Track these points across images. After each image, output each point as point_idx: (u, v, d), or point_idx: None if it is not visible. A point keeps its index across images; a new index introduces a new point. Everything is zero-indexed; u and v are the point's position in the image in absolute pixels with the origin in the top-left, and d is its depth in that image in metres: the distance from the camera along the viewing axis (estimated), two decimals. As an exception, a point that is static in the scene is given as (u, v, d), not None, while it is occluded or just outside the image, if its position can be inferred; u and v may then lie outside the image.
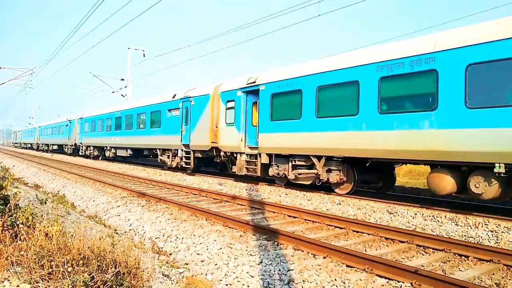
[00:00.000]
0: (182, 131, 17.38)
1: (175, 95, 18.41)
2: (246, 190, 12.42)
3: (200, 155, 16.69)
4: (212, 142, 15.21)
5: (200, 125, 16.17)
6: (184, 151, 17.39)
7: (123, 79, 32.80)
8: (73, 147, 35.89)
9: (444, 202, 10.42)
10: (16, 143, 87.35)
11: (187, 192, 12.14)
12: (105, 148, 27.71)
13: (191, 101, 16.84)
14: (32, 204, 7.02)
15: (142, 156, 24.50)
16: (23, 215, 4.75)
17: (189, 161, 17.07)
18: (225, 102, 14.80)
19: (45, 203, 8.12)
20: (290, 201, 10.32)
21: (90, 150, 31.12)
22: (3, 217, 4.84)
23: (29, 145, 66.28)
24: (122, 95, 32.81)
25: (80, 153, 33.35)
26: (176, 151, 18.28)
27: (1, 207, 5.11)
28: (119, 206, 9.86)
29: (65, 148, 38.87)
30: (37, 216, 5.33)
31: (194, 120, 16.57)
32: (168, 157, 19.01)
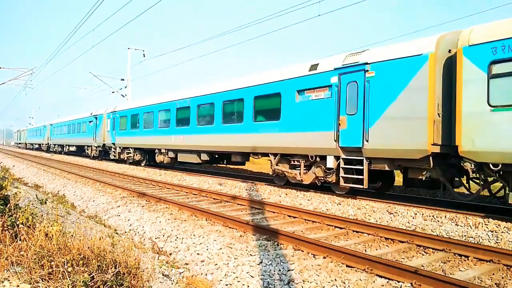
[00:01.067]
0: (339, 125, 10.28)
1: (315, 65, 11.15)
2: (246, 190, 12.42)
3: (386, 167, 9.55)
4: (433, 145, 8.44)
5: (395, 112, 9.14)
6: (344, 158, 10.25)
7: (123, 79, 32.82)
8: (100, 148, 28.72)
9: (444, 202, 10.41)
10: (20, 143, 77.90)
11: (187, 192, 12.15)
12: (156, 151, 20.33)
13: (366, 71, 9.81)
14: (32, 204, 7.03)
15: (224, 162, 17.36)
16: (23, 215, 4.75)
17: (360, 176, 9.82)
18: (485, 64, 7.65)
19: (45, 203, 8.13)
20: (290, 201, 10.32)
21: (129, 152, 23.54)
22: (3, 217, 4.84)
23: (36, 146, 58.04)
24: (122, 95, 32.82)
25: (112, 157, 26.05)
26: (318, 158, 10.99)
27: (1, 207, 5.11)
28: (119, 206, 9.86)
29: (88, 150, 31.70)
30: (37, 216, 5.33)
31: (378, 105, 9.50)
32: (294, 167, 11.92)
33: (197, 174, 17.80)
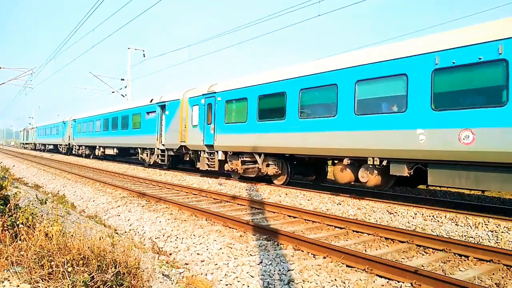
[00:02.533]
0: None
1: None
2: (246, 190, 12.42)
3: None
4: None
5: None
6: None
7: (123, 79, 32.83)
8: (172, 152, 18.73)
9: (444, 202, 10.41)
10: (26, 143, 66.10)
11: (187, 192, 12.15)
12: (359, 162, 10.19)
13: None
14: (32, 204, 7.02)
15: None
16: (23, 215, 4.75)
17: None
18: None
19: (45, 203, 8.12)
20: (290, 201, 10.32)
21: (249, 161, 13.83)
22: (3, 217, 4.84)
23: (50, 147, 47.41)
24: (122, 95, 32.84)
25: (206, 167, 15.67)
26: None
27: (1, 207, 5.11)
28: (119, 206, 9.86)
29: (143, 154, 21.79)
30: (37, 216, 5.33)
31: None
32: None
33: (197, 174, 17.78)
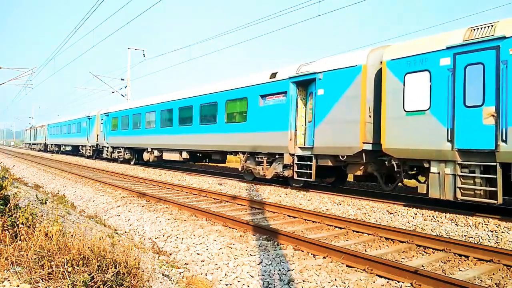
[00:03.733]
0: None
1: None
2: (246, 190, 12.42)
3: None
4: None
5: None
6: None
7: (123, 79, 32.87)
8: (364, 161, 10.04)
9: (444, 202, 10.39)
10: (33, 144, 57.05)
11: (187, 192, 12.15)
12: None
13: None
14: (32, 204, 7.01)
15: None
16: (23, 215, 4.74)
17: None
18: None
19: (45, 203, 8.12)
20: (290, 201, 10.32)
21: None
22: (3, 217, 4.84)
23: (67, 149, 40.44)
24: (122, 95, 32.86)
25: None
26: None
27: (1, 207, 5.11)
28: (119, 206, 9.86)
29: (250, 162, 13.72)
30: (37, 216, 5.32)
31: None
32: None
33: (197, 174, 17.78)
